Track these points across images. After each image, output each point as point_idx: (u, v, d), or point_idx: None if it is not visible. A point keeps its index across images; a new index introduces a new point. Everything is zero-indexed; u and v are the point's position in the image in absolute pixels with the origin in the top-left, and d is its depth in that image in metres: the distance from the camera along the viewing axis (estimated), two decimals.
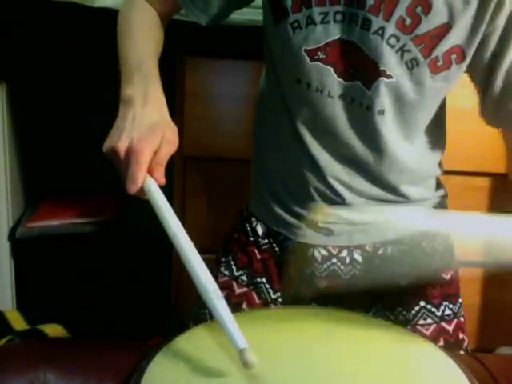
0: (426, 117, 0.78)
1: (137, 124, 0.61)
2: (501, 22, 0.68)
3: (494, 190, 1.31)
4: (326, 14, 0.70)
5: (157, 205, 0.60)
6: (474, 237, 0.62)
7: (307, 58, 0.72)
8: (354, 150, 0.77)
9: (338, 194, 0.80)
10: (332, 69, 0.73)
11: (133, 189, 0.59)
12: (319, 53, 0.72)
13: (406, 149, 0.78)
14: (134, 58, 0.70)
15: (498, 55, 0.70)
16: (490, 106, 0.75)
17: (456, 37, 0.69)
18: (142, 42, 0.74)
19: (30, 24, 1.46)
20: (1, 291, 1.44)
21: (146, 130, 0.61)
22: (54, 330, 1.23)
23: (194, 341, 0.62)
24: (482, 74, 0.73)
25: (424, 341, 0.65)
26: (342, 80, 0.73)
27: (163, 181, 0.62)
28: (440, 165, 0.87)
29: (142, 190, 0.60)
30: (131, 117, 0.62)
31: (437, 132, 0.82)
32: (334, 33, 0.71)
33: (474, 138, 1.22)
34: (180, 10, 0.82)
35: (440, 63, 0.70)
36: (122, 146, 0.60)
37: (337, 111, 0.75)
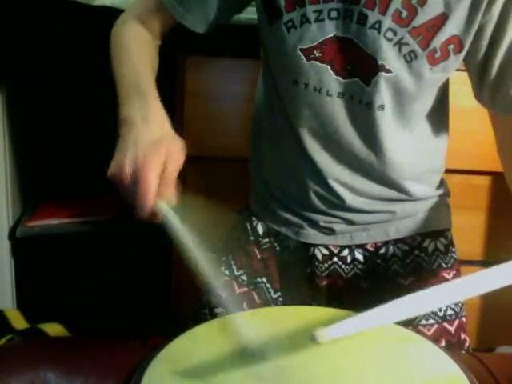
0: (423, 106, 0.78)
1: (140, 144, 0.60)
2: (496, 10, 0.68)
3: (494, 188, 1.31)
4: (320, 11, 0.70)
5: (173, 228, 0.58)
6: None
7: (303, 57, 0.72)
8: (354, 149, 0.77)
9: (338, 197, 0.79)
10: (329, 67, 0.72)
11: (143, 212, 0.58)
12: (315, 51, 0.72)
13: (406, 141, 0.78)
14: (130, 80, 0.70)
15: (494, 43, 0.70)
16: (486, 91, 0.75)
17: (453, 27, 0.69)
18: (138, 63, 0.73)
19: (30, 23, 1.46)
20: (1, 290, 1.44)
21: (150, 148, 0.59)
22: (54, 329, 1.22)
23: (193, 341, 0.61)
24: (479, 61, 0.73)
25: (424, 340, 0.65)
26: (340, 78, 0.73)
27: (174, 200, 0.60)
28: (443, 161, 0.87)
29: (153, 213, 0.59)
30: (134, 137, 0.61)
31: (438, 124, 0.82)
32: (330, 30, 0.71)
33: (474, 136, 1.22)
34: (176, 23, 0.81)
35: (438, 54, 0.70)
36: (126, 172, 0.58)
37: (336, 110, 0.75)
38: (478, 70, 0.73)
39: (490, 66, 0.72)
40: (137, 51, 0.76)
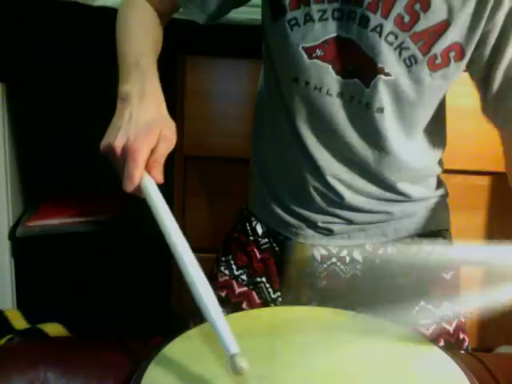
0: (425, 114, 0.78)
1: (133, 121, 0.61)
2: (500, 19, 0.68)
3: (494, 188, 1.31)
4: (324, 11, 0.70)
5: (153, 203, 0.59)
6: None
7: (305, 55, 0.72)
8: (353, 148, 0.77)
9: (337, 194, 0.80)
10: (330, 66, 0.73)
11: (129, 187, 0.59)
12: (317, 50, 0.72)
13: (407, 146, 0.78)
14: (131, 55, 0.70)
15: (497, 53, 0.70)
16: (490, 103, 0.74)
17: (455, 34, 0.68)
18: (140, 39, 0.73)
19: (30, 24, 1.46)
20: (1, 290, 1.44)
21: (143, 128, 0.60)
22: (54, 329, 1.23)
23: (194, 341, 0.62)
24: (482, 71, 0.72)
25: (424, 340, 0.65)
26: (340, 77, 0.73)
27: (161, 179, 0.61)
28: (440, 163, 0.87)
29: (139, 188, 0.59)
30: (128, 114, 0.62)
31: (437, 130, 0.82)
32: (333, 30, 0.71)
33: (474, 136, 1.22)
34: (179, 9, 0.82)
35: (439, 61, 0.70)
36: (118, 144, 0.59)
37: (336, 109, 0.75)
38: (482, 81, 0.73)
39: (493, 76, 0.71)
40: (140, 28, 0.76)
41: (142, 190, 0.60)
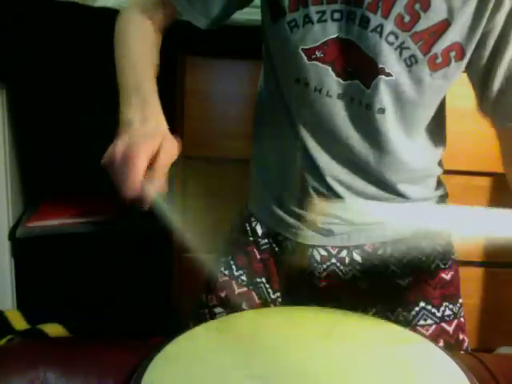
0: (426, 115, 0.78)
1: (133, 134, 0.61)
2: (500, 19, 0.68)
3: (494, 189, 1.31)
4: (323, 12, 0.70)
5: (161, 211, 0.59)
6: (475, 234, 0.62)
7: (305, 57, 0.72)
8: (353, 149, 0.77)
9: (336, 194, 0.80)
10: (330, 68, 0.73)
11: (129, 193, 0.58)
12: (317, 52, 0.72)
13: (407, 147, 0.78)
14: (131, 80, 0.70)
15: (497, 53, 0.70)
16: (488, 103, 0.74)
17: (455, 34, 0.68)
18: (140, 62, 0.73)
19: (31, 24, 1.46)
20: (1, 291, 1.44)
21: (143, 136, 0.60)
22: (54, 329, 1.23)
23: (193, 341, 0.62)
24: (481, 71, 0.72)
25: (424, 340, 0.65)
26: (340, 79, 0.73)
27: (163, 188, 0.61)
28: (440, 164, 0.87)
29: (139, 196, 0.59)
30: (129, 132, 0.62)
31: (437, 130, 0.82)
32: (332, 31, 0.71)
33: (474, 137, 1.22)
34: (180, 15, 0.82)
35: (439, 60, 0.70)
36: (118, 152, 0.59)
37: (336, 110, 0.75)
38: (481, 81, 0.73)
39: (492, 76, 0.71)
40: (138, 45, 0.75)
41: (146, 198, 0.60)
